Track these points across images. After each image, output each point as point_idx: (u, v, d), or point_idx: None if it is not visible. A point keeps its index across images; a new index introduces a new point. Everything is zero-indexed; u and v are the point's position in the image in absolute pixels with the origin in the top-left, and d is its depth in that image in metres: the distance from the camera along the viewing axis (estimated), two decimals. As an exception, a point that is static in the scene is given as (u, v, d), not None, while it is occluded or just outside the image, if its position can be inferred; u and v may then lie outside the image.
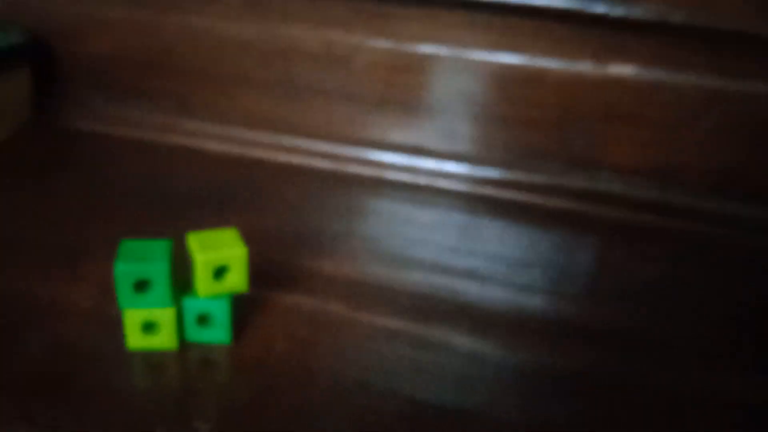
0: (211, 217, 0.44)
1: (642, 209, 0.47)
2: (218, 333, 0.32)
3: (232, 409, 0.29)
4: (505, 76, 0.48)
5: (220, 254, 0.30)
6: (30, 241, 0.40)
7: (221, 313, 0.31)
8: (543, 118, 0.49)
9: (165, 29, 0.54)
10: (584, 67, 0.46)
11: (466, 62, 0.49)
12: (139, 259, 0.30)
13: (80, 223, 0.43)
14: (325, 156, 0.53)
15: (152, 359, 0.31)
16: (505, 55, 0.48)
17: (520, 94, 0.49)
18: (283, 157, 0.53)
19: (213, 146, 0.54)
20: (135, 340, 0.31)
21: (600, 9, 0.44)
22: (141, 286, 0.30)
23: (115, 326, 0.32)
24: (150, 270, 0.30)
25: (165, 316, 0.31)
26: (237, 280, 0.31)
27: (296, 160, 0.53)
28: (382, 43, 0.50)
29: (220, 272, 0.31)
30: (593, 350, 0.34)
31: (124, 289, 0.30)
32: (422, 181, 0.51)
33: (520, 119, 0.49)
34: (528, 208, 0.49)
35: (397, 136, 0.52)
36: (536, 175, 0.50)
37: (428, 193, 0.50)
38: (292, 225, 0.44)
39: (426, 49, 0.49)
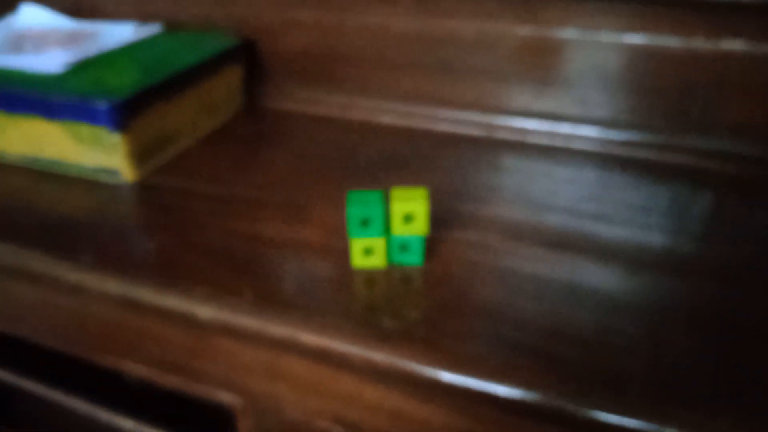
0: (392, 175, 0.57)
1: (751, 165, 0.56)
2: (414, 257, 0.45)
3: (425, 307, 0.42)
4: (631, 53, 0.58)
5: (409, 205, 0.43)
6: (263, 199, 0.55)
7: (416, 244, 0.44)
8: (663, 86, 0.58)
9: (346, 27, 0.67)
10: (698, 43, 0.55)
11: (597, 43, 0.59)
12: (364, 204, 0.43)
13: (297, 184, 0.57)
14: (477, 125, 0.65)
15: (369, 274, 0.45)
16: (631, 35, 0.57)
17: (643, 68, 0.58)
18: (443, 127, 0.66)
19: (386, 120, 0.68)
20: (358, 260, 0.45)
21: (712, -6, 0.53)
22: (365, 222, 0.43)
23: (340, 254, 0.46)
24: (371, 211, 0.43)
25: (379, 243, 0.44)
26: (421, 225, 0.44)
27: (454, 129, 0.65)
28: (524, 29, 0.61)
29: (408, 218, 0.44)
30: (707, 283, 0.44)
31: (354, 224, 0.43)
32: (559, 143, 0.62)
33: (644, 89, 0.59)
34: (651, 165, 0.58)
35: (538, 105, 0.63)
36: (658, 135, 0.59)
37: (564, 154, 0.61)
38: (456, 182, 0.57)
39: (562, 32, 0.59)
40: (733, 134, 0.57)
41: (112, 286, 0.46)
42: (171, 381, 0.49)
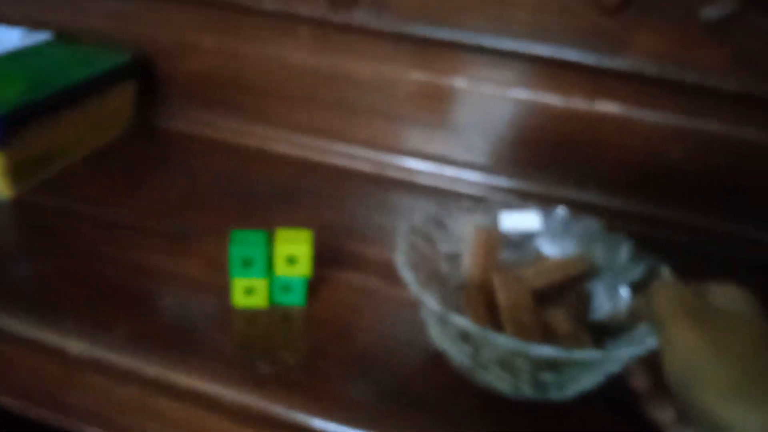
0: (282, 210, 0.58)
1: (617, 218, 0.60)
2: (296, 298, 0.46)
3: (303, 350, 0.43)
4: (515, 106, 0.61)
5: (292, 248, 0.44)
6: (148, 226, 0.54)
7: (298, 285, 0.45)
8: (543, 140, 0.62)
9: (245, 54, 0.67)
10: (576, 103, 0.59)
11: (484, 94, 0.62)
12: (246, 244, 0.43)
13: (183, 212, 0.57)
14: (369, 161, 0.67)
15: (249, 314, 0.45)
16: (516, 90, 0.61)
17: (526, 121, 0.61)
18: (336, 160, 0.67)
19: (281, 148, 0.68)
20: (239, 299, 0.45)
21: (591, 60, 0.57)
22: (246, 262, 0.44)
23: (222, 291, 0.46)
24: (254, 252, 0.43)
25: (261, 284, 0.45)
26: (304, 266, 0.45)
27: (346, 163, 0.67)
28: (418, 75, 0.63)
29: (292, 260, 0.44)
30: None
31: (236, 264, 0.44)
32: (444, 185, 0.65)
33: (526, 140, 0.62)
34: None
35: (428, 147, 0.65)
36: (536, 185, 0.63)
37: (449, 196, 0.63)
38: (344, 219, 0.58)
39: (453, 81, 0.62)
40: (604, 189, 0.61)
41: (-23, 315, 0.44)
42: (39, 414, 0.47)
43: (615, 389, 0.39)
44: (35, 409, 0.47)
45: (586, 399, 0.40)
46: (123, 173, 0.63)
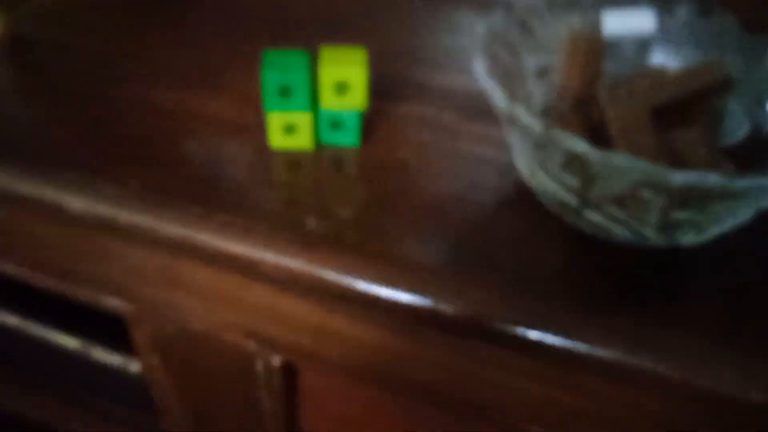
0: (326, 35, 0.47)
1: None
2: (348, 137, 0.36)
3: (359, 203, 0.33)
4: None
5: (342, 70, 0.33)
6: (166, 60, 0.44)
7: (351, 120, 0.35)
8: None
9: None
10: None
11: None
12: (283, 68, 0.33)
13: (205, 42, 0.46)
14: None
15: (291, 158, 0.36)
16: None
17: None
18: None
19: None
20: (277, 140, 0.36)
21: None
22: (284, 91, 0.34)
23: (257, 132, 0.37)
24: (292, 77, 0.33)
25: (304, 119, 0.35)
26: (358, 96, 0.34)
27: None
28: None
29: (342, 87, 0.34)
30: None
31: (269, 94, 0.34)
32: None
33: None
34: None
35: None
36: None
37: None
38: (403, 42, 0.47)
39: None
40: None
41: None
42: (47, 282, 0.40)
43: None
44: (42, 278, 0.40)
45: (722, 244, 0.30)
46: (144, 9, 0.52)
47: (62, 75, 0.42)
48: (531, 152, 0.30)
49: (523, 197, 0.33)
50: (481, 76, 0.30)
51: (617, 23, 0.37)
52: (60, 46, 0.45)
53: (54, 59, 0.43)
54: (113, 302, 0.39)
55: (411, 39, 0.47)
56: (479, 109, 0.39)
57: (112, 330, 0.45)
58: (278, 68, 0.33)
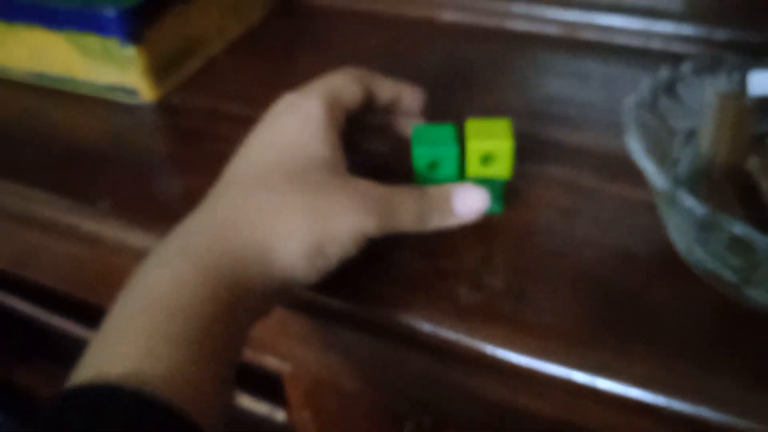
0: (456, 90, 0.48)
1: None
2: (492, 204, 0.36)
3: (506, 267, 0.34)
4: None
5: (488, 144, 0.34)
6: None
7: (495, 189, 0.36)
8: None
9: None
10: None
11: None
12: (433, 143, 0.34)
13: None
14: (556, 22, 0.54)
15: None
16: None
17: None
18: (516, 24, 0.55)
19: (447, 16, 0.57)
20: (425, 209, 0.37)
21: None
22: (432, 165, 0.35)
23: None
24: (442, 152, 0.34)
25: (451, 190, 0.36)
26: (504, 166, 0.35)
27: (529, 27, 0.55)
28: None
29: (487, 159, 0.35)
30: None
31: (421, 167, 0.35)
32: (656, 45, 0.51)
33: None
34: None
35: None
36: None
37: (662, 59, 0.50)
38: (534, 97, 0.47)
39: None
40: None
41: (133, 238, 0.39)
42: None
43: None
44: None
45: None
46: (269, 62, 0.55)
47: (214, 142, 0.45)
48: (691, 231, 0.30)
49: (675, 266, 0.33)
50: (638, 155, 0.30)
51: (765, 83, 0.37)
52: (209, 112, 0.48)
53: (204, 125, 0.46)
54: (271, 362, 0.41)
55: (540, 92, 0.47)
56: (617, 170, 0.39)
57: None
58: (428, 144, 0.34)
